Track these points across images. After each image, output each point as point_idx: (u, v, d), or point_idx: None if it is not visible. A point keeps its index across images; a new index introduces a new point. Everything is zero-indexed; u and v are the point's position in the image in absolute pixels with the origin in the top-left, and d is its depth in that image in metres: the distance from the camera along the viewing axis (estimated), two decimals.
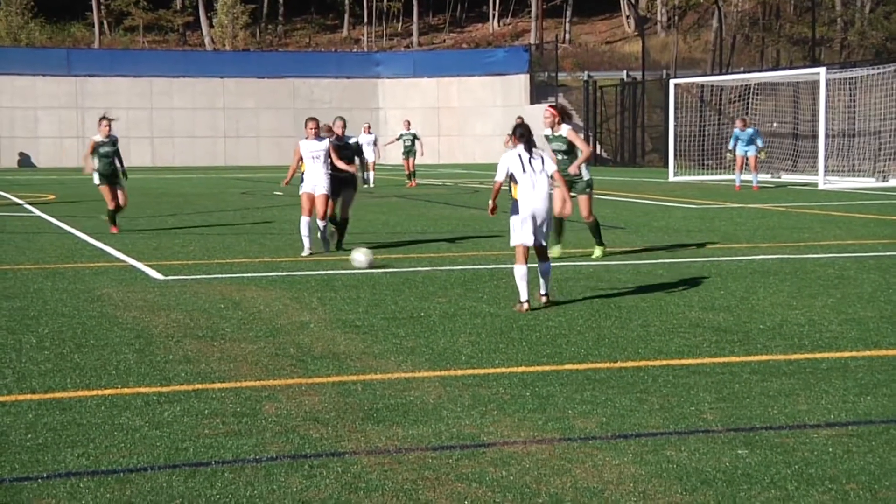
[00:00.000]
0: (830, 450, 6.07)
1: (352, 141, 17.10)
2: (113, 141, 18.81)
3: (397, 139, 36.64)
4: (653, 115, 53.69)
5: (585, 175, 14.82)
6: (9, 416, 6.88)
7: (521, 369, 8.12)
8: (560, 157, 14.58)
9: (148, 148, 57.75)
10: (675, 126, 40.54)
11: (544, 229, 10.74)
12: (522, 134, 10.81)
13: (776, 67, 55.17)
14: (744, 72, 51.66)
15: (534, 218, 10.59)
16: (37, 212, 24.30)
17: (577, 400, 7.19)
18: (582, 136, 17.64)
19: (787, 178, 38.30)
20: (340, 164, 15.71)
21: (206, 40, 78.52)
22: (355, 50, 78.15)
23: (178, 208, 24.16)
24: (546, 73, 62.81)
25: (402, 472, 5.73)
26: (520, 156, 10.68)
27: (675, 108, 40.75)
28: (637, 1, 75.29)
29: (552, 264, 11.44)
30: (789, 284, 12.32)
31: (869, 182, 34.92)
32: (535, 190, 10.59)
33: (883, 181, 34.87)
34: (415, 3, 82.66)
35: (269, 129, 59.67)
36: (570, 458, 5.95)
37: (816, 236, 17.91)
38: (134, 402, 7.21)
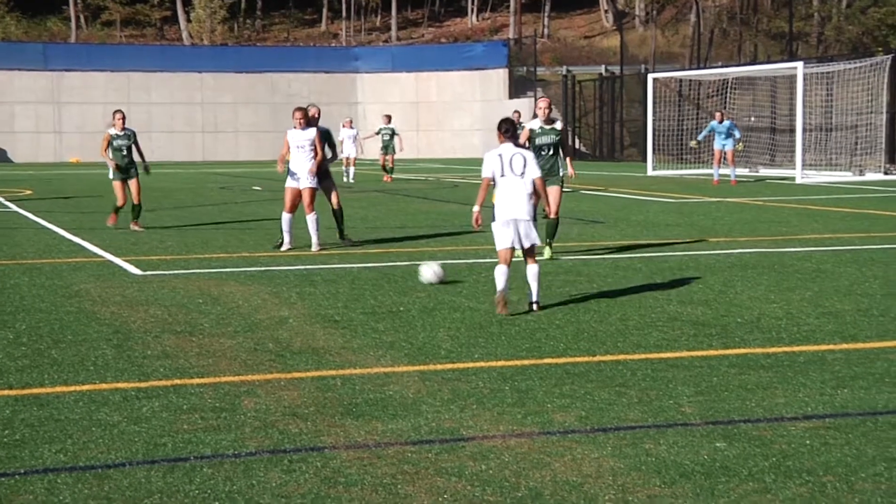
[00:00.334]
0: (808, 442, 6.10)
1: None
2: (128, 135, 18.60)
3: (376, 133, 36.58)
4: (631, 109, 53.80)
5: (562, 171, 14.67)
6: None
7: (500, 363, 8.13)
8: (549, 151, 14.01)
9: None
10: (654, 120, 40.66)
11: (529, 232, 10.14)
12: (507, 129, 10.27)
13: (754, 62, 55.34)
14: (722, 66, 51.82)
15: (515, 222, 10.06)
16: (13, 207, 24.17)
17: (556, 394, 7.20)
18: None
19: (764, 172, 38.46)
20: (318, 157, 15.49)
21: (184, 35, 78.21)
22: (334, 45, 77.97)
23: (156, 203, 24.07)
24: (525, 68, 62.83)
25: (382, 466, 5.73)
26: (500, 156, 10.16)
27: (654, 103, 40.86)
28: None
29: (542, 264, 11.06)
30: (767, 278, 12.37)
31: (846, 176, 35.11)
32: (514, 194, 10.08)
33: (859, 175, 35.07)
34: None
35: (248, 123, 59.53)
36: (550, 451, 5.97)
37: (794, 230, 18.00)
38: (112, 397, 7.18)
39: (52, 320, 9.97)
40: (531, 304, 10.30)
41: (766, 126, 42.18)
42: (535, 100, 15.07)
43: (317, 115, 16.06)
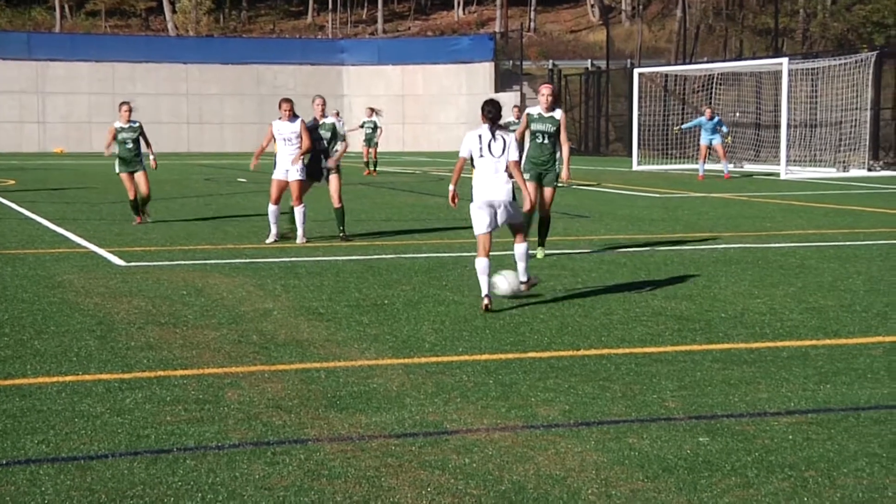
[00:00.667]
0: (790, 437, 6.12)
1: (328, 121, 15.91)
2: (133, 127, 18.02)
3: (360, 126, 36.47)
4: (617, 104, 53.86)
5: (558, 166, 13.79)
6: None
7: (484, 357, 8.13)
8: (544, 140, 13.24)
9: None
10: (639, 115, 40.70)
11: (509, 212, 9.99)
12: (490, 111, 10.03)
13: (739, 57, 55.45)
14: (707, 62, 51.94)
15: (491, 205, 9.93)
16: None
17: (540, 388, 7.21)
18: None
19: (749, 167, 38.55)
20: (304, 146, 15.36)
21: (170, 26, 77.92)
22: (319, 37, 77.81)
23: None
24: (511, 62, 62.80)
25: (365, 459, 5.73)
26: (480, 136, 10.00)
27: (639, 98, 40.91)
28: None
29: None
30: (751, 273, 12.40)
31: (830, 172, 35.21)
32: (492, 175, 9.94)
33: (843, 171, 35.18)
34: None
35: (233, 115, 59.36)
36: (533, 445, 5.97)
37: (778, 226, 18.05)
38: (95, 388, 7.16)
39: (34, 311, 9.93)
40: (522, 284, 10.28)
41: (750, 122, 42.28)
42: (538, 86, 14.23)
43: (322, 106, 15.85)
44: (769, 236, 16.35)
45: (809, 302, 10.53)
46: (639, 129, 40.46)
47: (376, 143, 35.29)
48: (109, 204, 21.89)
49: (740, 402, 6.87)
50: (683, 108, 45.50)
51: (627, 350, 8.40)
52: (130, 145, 18.00)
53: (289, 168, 15.41)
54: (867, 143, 36.26)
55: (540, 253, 13.54)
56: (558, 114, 13.24)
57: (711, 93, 42.11)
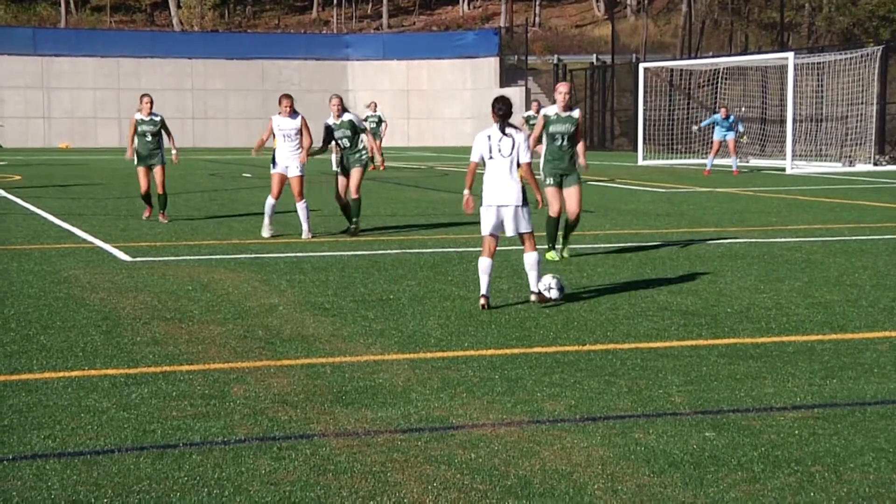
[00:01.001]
0: (796, 432, 6.12)
1: (346, 118, 15.64)
2: (154, 121, 17.54)
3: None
4: (622, 99, 53.81)
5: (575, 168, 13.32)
6: None
7: (490, 352, 8.13)
8: (563, 142, 12.75)
9: (115, 129, 57.36)
10: (645, 110, 40.66)
11: (517, 219, 9.74)
12: (501, 108, 9.70)
13: (745, 52, 55.37)
14: (713, 56, 51.86)
15: (499, 208, 9.71)
16: (2, 192, 24.08)
17: (545, 383, 7.21)
18: None
19: (755, 162, 38.50)
20: (305, 143, 15.36)
21: (174, 21, 77.95)
22: (325, 32, 77.79)
23: None
24: (516, 57, 62.79)
25: (371, 454, 5.73)
26: (489, 136, 9.78)
27: (645, 92, 40.87)
28: None
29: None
30: (757, 268, 12.39)
31: (836, 167, 35.17)
32: (501, 176, 9.70)
33: (849, 166, 35.13)
34: None
35: (238, 110, 59.41)
36: (539, 440, 5.97)
37: (784, 220, 18.03)
38: (101, 383, 7.17)
39: (40, 306, 9.94)
40: (532, 294, 9.93)
41: (756, 116, 42.21)
42: (554, 84, 13.86)
43: (338, 106, 15.62)
44: (775, 231, 16.33)
45: (815, 297, 10.52)
46: (644, 124, 40.42)
47: (381, 137, 35.30)
48: (115, 199, 21.89)
49: (746, 397, 6.87)
50: (689, 103, 45.44)
51: (633, 345, 8.39)
52: (149, 139, 17.55)
53: (289, 164, 15.43)
54: (873, 137, 36.20)
55: (567, 252, 13.24)
56: (577, 113, 12.90)
57: (717, 87, 42.06)
